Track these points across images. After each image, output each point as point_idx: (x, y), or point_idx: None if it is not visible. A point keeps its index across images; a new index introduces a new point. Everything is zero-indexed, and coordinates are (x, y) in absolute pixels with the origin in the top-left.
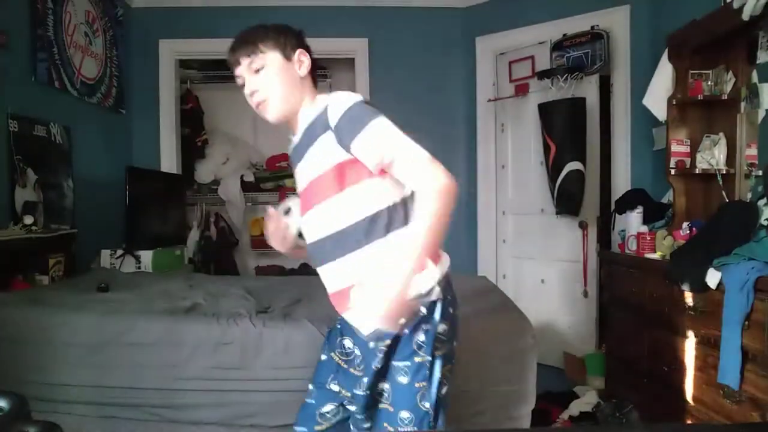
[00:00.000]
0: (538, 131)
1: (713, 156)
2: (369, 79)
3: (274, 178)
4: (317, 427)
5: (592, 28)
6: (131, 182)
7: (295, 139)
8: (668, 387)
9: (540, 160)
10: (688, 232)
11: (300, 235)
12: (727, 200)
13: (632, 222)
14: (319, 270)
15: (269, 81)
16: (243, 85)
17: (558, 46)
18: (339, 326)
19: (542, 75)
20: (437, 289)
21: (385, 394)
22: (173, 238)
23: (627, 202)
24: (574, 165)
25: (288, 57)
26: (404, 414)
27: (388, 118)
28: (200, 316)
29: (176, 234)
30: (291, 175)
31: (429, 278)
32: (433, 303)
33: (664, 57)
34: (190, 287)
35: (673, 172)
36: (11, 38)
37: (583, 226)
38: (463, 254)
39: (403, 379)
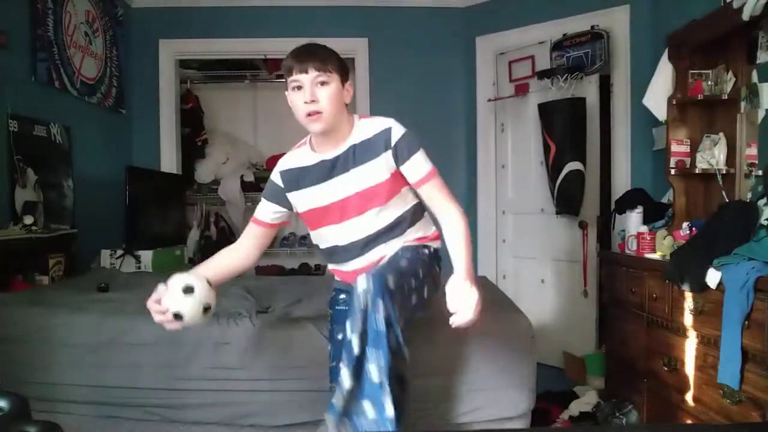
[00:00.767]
0: (538, 131)
1: (713, 156)
2: (369, 79)
3: None
4: None
5: (592, 28)
6: (131, 182)
7: (333, 153)
8: (668, 387)
9: (540, 160)
10: (688, 232)
11: (206, 310)
12: (727, 200)
13: (632, 222)
14: (350, 262)
15: (329, 97)
16: (297, 88)
17: (558, 46)
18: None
19: (542, 75)
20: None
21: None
22: (173, 238)
23: (627, 202)
24: (574, 165)
25: (343, 83)
26: (403, 263)
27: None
28: None
29: (176, 234)
30: None
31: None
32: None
33: (664, 57)
34: None
35: (673, 172)
36: (11, 38)
37: (583, 226)
38: None
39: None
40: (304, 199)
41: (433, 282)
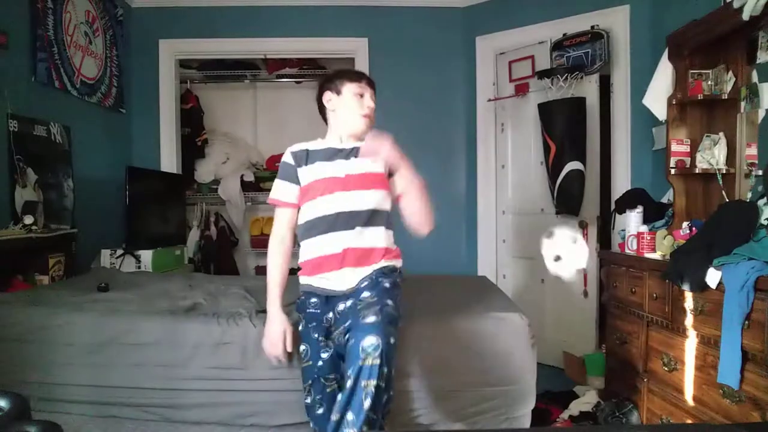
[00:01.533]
0: (538, 131)
1: (713, 156)
2: None
3: (273, 177)
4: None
5: (592, 27)
6: (131, 182)
7: (340, 145)
8: (668, 387)
9: (540, 160)
10: (688, 232)
11: None
12: (727, 200)
13: (632, 222)
14: (344, 233)
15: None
16: (360, 96)
17: (558, 46)
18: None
19: (542, 75)
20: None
21: (367, 298)
22: (173, 238)
23: (627, 202)
24: (574, 165)
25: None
26: (389, 301)
27: (388, 118)
28: (200, 316)
29: (176, 234)
30: None
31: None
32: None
33: (664, 57)
34: (190, 287)
35: (673, 171)
36: (11, 38)
37: (583, 226)
38: (463, 254)
39: (387, 284)
40: (314, 171)
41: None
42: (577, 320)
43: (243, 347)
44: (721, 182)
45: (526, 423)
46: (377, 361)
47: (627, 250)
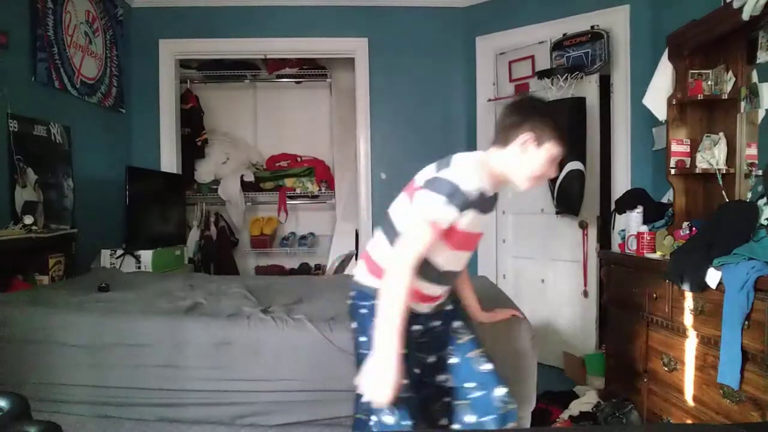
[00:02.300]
0: None
1: (713, 156)
2: (369, 79)
3: (273, 178)
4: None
5: (592, 27)
6: (131, 182)
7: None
8: (668, 387)
9: None
10: (688, 232)
11: None
12: (727, 200)
13: (632, 222)
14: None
15: None
16: (552, 161)
17: (558, 46)
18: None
19: (542, 75)
20: None
21: (460, 330)
22: (173, 238)
23: (627, 202)
24: (574, 165)
25: None
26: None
27: (389, 118)
28: (200, 316)
29: (176, 234)
30: (290, 175)
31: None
32: None
33: (664, 57)
34: (191, 287)
35: (673, 171)
36: (11, 38)
37: (583, 226)
38: None
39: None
40: (470, 221)
41: None
42: (577, 320)
43: (243, 347)
44: (721, 182)
45: (526, 423)
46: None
47: (627, 250)
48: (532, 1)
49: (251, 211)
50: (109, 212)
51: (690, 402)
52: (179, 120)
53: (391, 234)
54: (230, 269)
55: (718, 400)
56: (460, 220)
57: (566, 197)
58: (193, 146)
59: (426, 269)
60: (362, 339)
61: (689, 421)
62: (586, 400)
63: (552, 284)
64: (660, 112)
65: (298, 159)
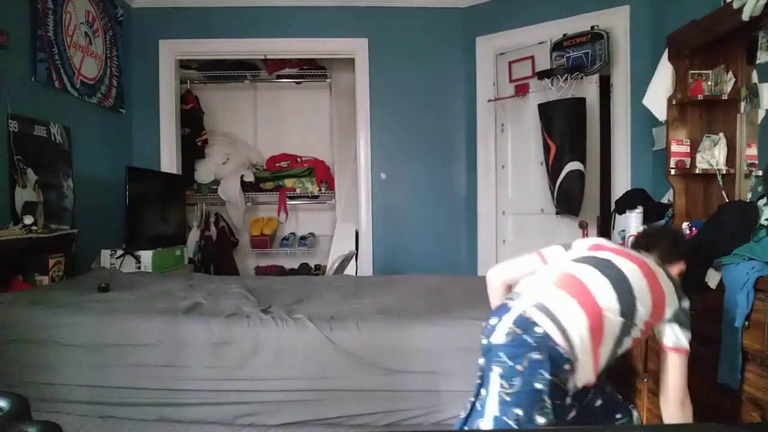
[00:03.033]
0: (538, 131)
1: (713, 156)
2: (369, 79)
3: (273, 178)
4: None
5: (592, 28)
6: (131, 182)
7: None
8: None
9: (540, 160)
10: (688, 232)
11: None
12: (727, 200)
13: (632, 222)
14: None
15: None
16: None
17: (558, 46)
18: None
19: (542, 75)
20: None
21: None
22: (173, 238)
23: (627, 202)
24: (574, 165)
25: None
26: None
27: (389, 119)
28: (200, 316)
29: (176, 234)
30: (290, 175)
31: None
32: None
33: (664, 57)
34: (191, 287)
35: (673, 172)
36: (11, 38)
37: (583, 226)
38: (463, 254)
39: None
40: None
41: None
42: None
43: (243, 347)
44: (721, 182)
45: None
46: None
47: None
48: (532, 1)
49: (251, 212)
50: (109, 212)
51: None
52: (179, 120)
53: (625, 303)
54: (230, 269)
55: (719, 400)
56: None
57: (566, 197)
58: (193, 146)
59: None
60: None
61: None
62: None
63: None
64: (660, 112)
65: (298, 159)
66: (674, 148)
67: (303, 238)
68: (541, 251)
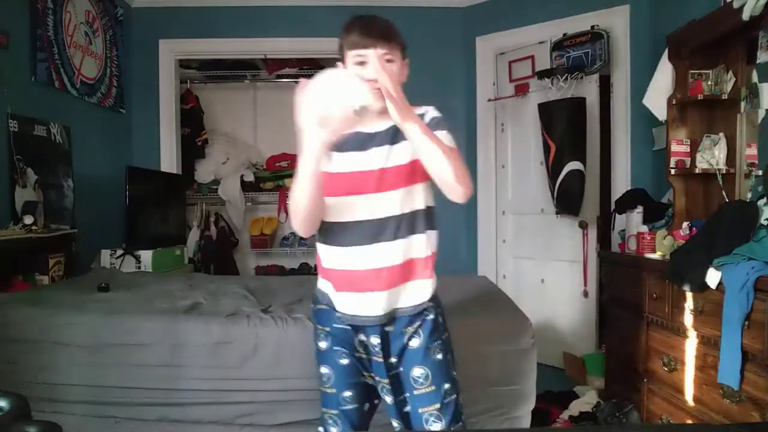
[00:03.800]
0: (538, 131)
1: (713, 156)
2: None
3: (273, 178)
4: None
5: (592, 27)
6: (131, 182)
7: (375, 127)
8: (668, 387)
9: (540, 160)
10: (688, 232)
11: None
12: (727, 200)
13: (632, 222)
14: (365, 248)
15: (393, 73)
16: (360, 63)
17: (558, 46)
18: (348, 327)
19: (542, 75)
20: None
21: (421, 380)
22: (173, 238)
23: (627, 202)
24: (574, 165)
25: (403, 60)
26: (446, 385)
27: None
28: (200, 315)
29: (176, 234)
30: (290, 175)
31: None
32: (436, 297)
33: (664, 57)
34: (191, 287)
35: (673, 171)
36: (11, 38)
37: (583, 226)
38: (463, 254)
39: (440, 356)
40: (342, 161)
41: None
42: (577, 320)
43: (243, 347)
44: (721, 182)
45: (526, 423)
46: (432, 388)
47: (627, 250)
48: (532, 1)
49: (251, 211)
50: (109, 212)
51: (690, 402)
52: (179, 120)
53: None
54: (230, 269)
55: (718, 400)
56: (333, 163)
57: (566, 197)
58: (193, 146)
59: (326, 237)
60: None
61: (689, 421)
62: (586, 400)
63: (552, 284)
64: (660, 112)
65: None
66: (674, 147)
67: (303, 238)
68: None
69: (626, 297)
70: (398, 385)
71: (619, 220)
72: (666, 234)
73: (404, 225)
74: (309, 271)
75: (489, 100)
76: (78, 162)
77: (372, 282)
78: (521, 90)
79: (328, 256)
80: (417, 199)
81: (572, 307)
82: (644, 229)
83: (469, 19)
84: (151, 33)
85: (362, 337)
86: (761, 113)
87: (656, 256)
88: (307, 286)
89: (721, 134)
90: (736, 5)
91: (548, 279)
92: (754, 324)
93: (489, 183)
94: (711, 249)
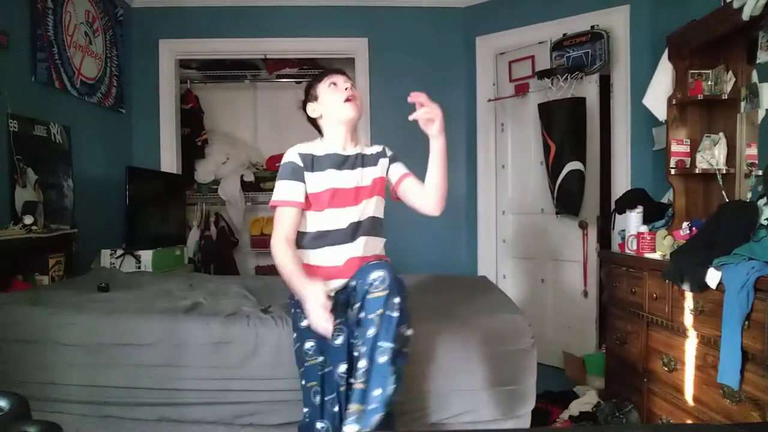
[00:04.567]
0: (538, 131)
1: (713, 156)
2: (369, 79)
3: (273, 177)
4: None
5: (592, 27)
6: (131, 182)
7: (345, 152)
8: (668, 387)
9: (540, 160)
10: (688, 232)
11: None
12: (727, 200)
13: (632, 222)
14: (350, 245)
15: (358, 94)
16: (333, 84)
17: (558, 46)
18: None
19: (542, 75)
20: None
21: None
22: (173, 238)
23: (627, 202)
24: (574, 165)
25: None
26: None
27: (389, 118)
28: (200, 315)
29: (176, 234)
30: None
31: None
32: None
33: (664, 57)
34: (191, 287)
35: (673, 171)
36: (11, 38)
37: (583, 226)
38: (463, 254)
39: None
40: (323, 179)
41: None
42: (577, 320)
43: (243, 347)
44: (721, 182)
45: (526, 423)
46: (384, 292)
47: (627, 250)
48: (532, 1)
49: (251, 211)
50: (109, 212)
51: (690, 402)
52: (179, 120)
53: None
54: (230, 269)
55: (718, 400)
56: (314, 182)
57: (566, 197)
58: (193, 146)
59: (310, 241)
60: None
61: (689, 421)
62: (586, 400)
63: (552, 284)
64: (660, 112)
65: None
66: (674, 147)
67: None
68: None
69: (626, 297)
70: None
71: (619, 220)
72: (666, 234)
73: (367, 227)
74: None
75: (489, 100)
76: (78, 162)
77: (345, 272)
78: (521, 90)
79: (313, 256)
80: (377, 208)
81: (572, 307)
82: (644, 229)
83: (469, 19)
84: (151, 33)
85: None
86: (761, 113)
87: (656, 256)
88: None
89: (721, 134)
90: (736, 5)
91: (548, 279)
92: (754, 324)
93: (489, 183)
94: (711, 249)
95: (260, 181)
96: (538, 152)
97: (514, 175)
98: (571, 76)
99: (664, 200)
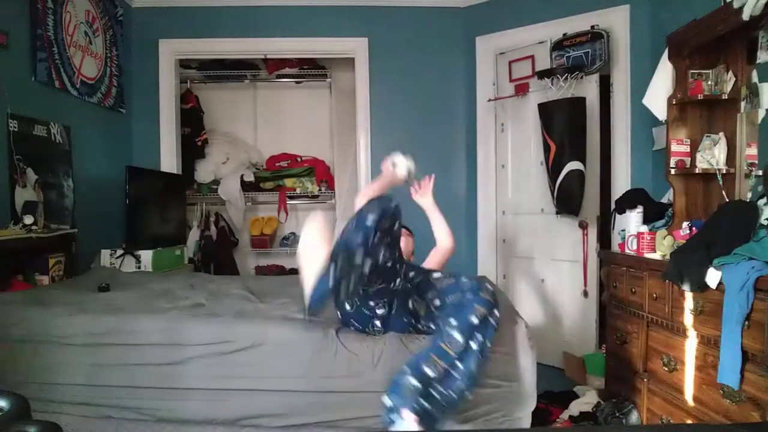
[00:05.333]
0: (538, 131)
1: (713, 156)
2: (369, 79)
3: (274, 177)
4: None
5: (592, 27)
6: (131, 182)
7: None
8: (668, 387)
9: (540, 160)
10: (688, 231)
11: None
12: (727, 200)
13: (632, 222)
14: None
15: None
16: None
17: (558, 46)
18: None
19: (542, 75)
20: None
21: None
22: (173, 238)
23: (627, 202)
24: (574, 165)
25: None
26: None
27: (389, 118)
28: (201, 315)
29: (176, 234)
30: (290, 175)
31: None
32: None
33: (664, 57)
34: (191, 287)
35: (673, 171)
36: (11, 38)
37: (583, 226)
38: (463, 254)
39: None
40: None
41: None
42: (577, 320)
43: (244, 347)
44: (721, 182)
45: (526, 423)
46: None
47: (627, 250)
48: (532, 1)
49: (251, 211)
50: (109, 212)
51: (690, 402)
52: (179, 120)
53: None
54: (230, 269)
55: (718, 400)
56: None
57: (566, 197)
58: (193, 146)
59: None
60: None
61: (689, 421)
62: (586, 400)
63: (552, 284)
64: (660, 112)
65: (298, 159)
66: (674, 147)
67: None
68: None
69: (626, 297)
70: None
71: (619, 220)
72: (666, 234)
73: None
74: None
75: (489, 100)
76: (78, 162)
77: None
78: (521, 90)
79: None
80: None
81: (572, 307)
82: (644, 229)
83: (469, 19)
84: (151, 33)
85: None
86: (761, 113)
87: (656, 256)
88: None
89: (721, 134)
90: (736, 5)
91: (548, 279)
92: (754, 324)
93: (489, 183)
94: (711, 249)
95: (260, 181)
96: (538, 152)
97: (514, 175)
98: (571, 76)
99: (664, 200)
